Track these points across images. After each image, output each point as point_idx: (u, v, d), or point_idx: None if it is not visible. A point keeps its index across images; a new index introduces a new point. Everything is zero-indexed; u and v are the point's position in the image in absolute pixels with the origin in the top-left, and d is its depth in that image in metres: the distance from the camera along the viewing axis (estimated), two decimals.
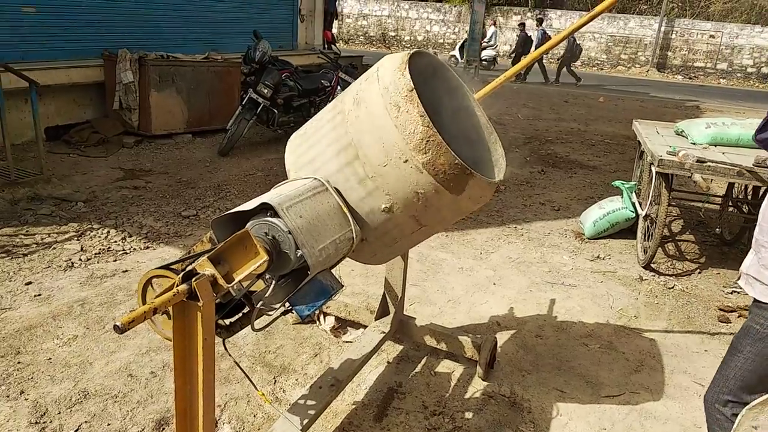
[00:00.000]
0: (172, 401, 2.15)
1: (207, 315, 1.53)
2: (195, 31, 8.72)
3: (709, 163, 3.99)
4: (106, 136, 6.86)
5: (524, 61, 2.73)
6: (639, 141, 5.21)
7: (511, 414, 2.73)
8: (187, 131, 7.40)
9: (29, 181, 5.06)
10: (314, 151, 1.98)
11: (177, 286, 1.51)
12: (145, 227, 4.53)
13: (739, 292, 4.21)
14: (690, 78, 22.69)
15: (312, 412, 2.30)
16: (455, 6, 26.04)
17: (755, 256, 1.97)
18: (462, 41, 18.43)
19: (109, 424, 2.46)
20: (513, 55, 18.52)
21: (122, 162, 6.27)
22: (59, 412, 2.50)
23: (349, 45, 26.70)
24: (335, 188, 1.89)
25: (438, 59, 2.14)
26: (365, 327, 3.10)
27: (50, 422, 2.45)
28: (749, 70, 22.39)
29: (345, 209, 1.88)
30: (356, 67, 9.08)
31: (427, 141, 1.74)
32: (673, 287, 4.22)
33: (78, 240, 4.20)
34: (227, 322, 1.93)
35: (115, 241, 4.23)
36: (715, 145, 4.58)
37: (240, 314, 1.95)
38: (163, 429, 2.46)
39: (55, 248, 4.04)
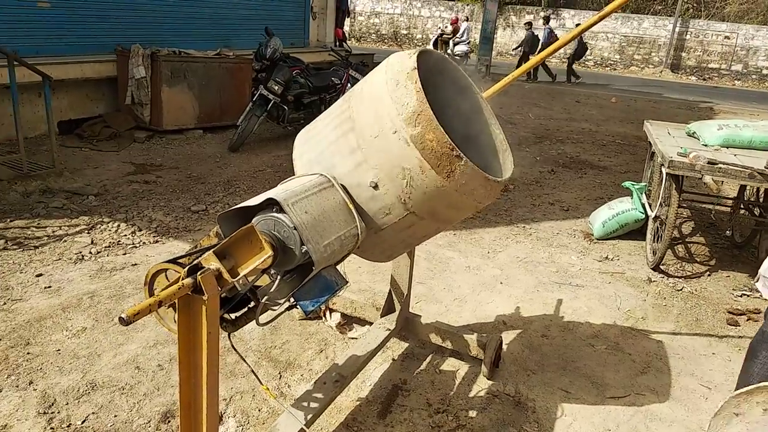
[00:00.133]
0: (178, 394, 2.17)
1: (211, 309, 1.55)
2: (207, 28, 8.77)
3: (720, 165, 3.96)
4: (118, 130, 6.91)
5: (533, 60, 2.73)
6: (650, 142, 5.18)
7: (516, 413, 2.73)
8: (198, 127, 7.45)
9: (41, 174, 5.12)
10: (321, 145, 1.99)
11: (182, 279, 1.53)
12: (154, 221, 4.57)
13: (749, 295, 4.18)
14: (704, 79, 22.49)
15: (316, 407, 2.31)
16: (468, 5, 25.96)
17: None
18: (435, 36, 18.37)
19: (116, 416, 2.49)
20: (518, 53, 18.40)
21: (133, 156, 6.32)
22: (67, 403, 2.54)
23: (361, 43, 26.73)
24: (341, 185, 1.90)
25: (445, 57, 2.14)
26: (371, 324, 3.11)
27: (58, 413, 2.48)
28: (765, 72, 22.16)
29: (351, 205, 1.89)
30: (367, 64, 9.08)
31: (419, 114, 1.74)
32: (681, 289, 4.20)
33: (88, 233, 4.24)
34: (233, 316, 1.95)
35: (125, 235, 4.27)
36: (727, 147, 4.54)
37: (245, 309, 1.96)
38: (169, 421, 2.49)
39: (65, 241, 4.08)
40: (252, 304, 1.94)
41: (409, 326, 3.11)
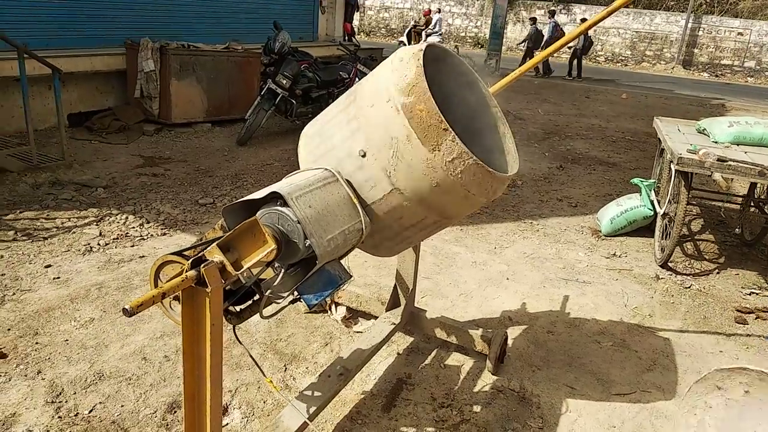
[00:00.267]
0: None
1: (215, 301, 1.56)
2: (216, 21, 8.78)
3: (730, 162, 3.93)
4: (127, 123, 6.95)
5: (541, 55, 2.71)
6: (659, 138, 5.14)
7: (520, 409, 2.72)
8: (207, 120, 7.48)
9: (51, 166, 5.16)
10: (323, 122, 2.04)
11: (186, 272, 1.54)
12: (162, 214, 4.59)
13: (758, 294, 4.15)
14: (716, 76, 22.27)
15: (320, 400, 2.32)
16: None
17: None
18: (409, 27, 18.39)
19: (122, 406, 2.51)
20: (523, 47, 18.30)
21: (142, 149, 6.35)
22: (75, 393, 2.56)
23: (370, 37, 26.69)
24: (346, 180, 1.91)
25: (451, 52, 2.14)
26: (376, 318, 3.12)
27: (66, 402, 2.50)
28: None
29: (355, 200, 1.89)
30: (375, 59, 9.08)
31: (414, 86, 1.77)
32: (690, 287, 4.17)
33: (97, 225, 4.27)
34: (238, 308, 1.96)
35: (133, 227, 4.30)
36: (738, 144, 4.50)
37: (250, 301, 1.97)
38: (175, 412, 2.51)
39: (74, 232, 4.11)
40: (257, 296, 1.95)
41: (415, 321, 3.11)
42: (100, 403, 2.52)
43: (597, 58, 23.82)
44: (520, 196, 5.85)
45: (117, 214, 4.48)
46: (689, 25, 22.53)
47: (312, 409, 2.25)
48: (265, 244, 1.61)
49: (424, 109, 1.75)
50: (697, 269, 4.51)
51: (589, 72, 17.26)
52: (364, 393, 2.74)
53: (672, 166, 4.25)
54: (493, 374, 2.93)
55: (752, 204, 5.04)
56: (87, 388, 2.59)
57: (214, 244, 1.60)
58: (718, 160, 3.92)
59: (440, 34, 17.66)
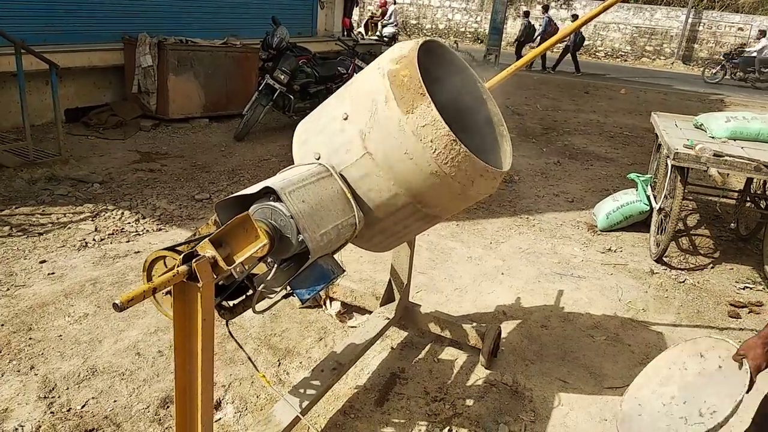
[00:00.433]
0: None
1: (206, 296, 1.56)
2: (214, 17, 8.75)
3: (726, 158, 3.93)
4: (125, 119, 6.93)
5: (538, 49, 2.70)
6: (656, 133, 5.14)
7: (512, 402, 2.74)
8: (204, 116, 7.46)
9: (47, 161, 5.15)
10: (318, 118, 2.08)
11: (177, 267, 1.54)
12: (158, 209, 4.59)
13: (751, 288, 4.16)
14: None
15: (313, 394, 2.33)
16: None
17: None
18: (366, 19, 18.45)
19: (115, 401, 2.52)
20: (515, 43, 18.22)
21: (139, 145, 6.35)
22: (67, 388, 2.57)
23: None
24: (340, 174, 1.91)
25: (448, 48, 2.14)
26: (371, 313, 3.12)
27: (58, 397, 2.51)
28: None
29: (349, 195, 1.90)
30: (374, 54, 9.04)
31: (403, 57, 1.85)
32: (684, 281, 4.18)
33: (93, 220, 4.27)
34: (231, 303, 1.96)
35: (129, 223, 4.30)
36: (735, 140, 4.50)
37: (243, 297, 1.97)
38: (168, 407, 2.52)
39: (70, 228, 4.11)
40: (250, 291, 1.96)
41: (409, 315, 3.12)
42: (93, 398, 2.53)
43: (597, 54, 23.75)
44: (516, 191, 5.86)
45: (113, 210, 4.48)
46: (689, 20, 22.46)
47: (305, 404, 2.26)
48: (257, 239, 1.62)
49: (407, 74, 1.81)
50: (692, 264, 4.52)
51: (589, 67, 17.21)
52: (358, 387, 2.75)
53: (669, 161, 4.25)
54: (486, 368, 2.94)
55: (748, 199, 5.05)
56: (80, 384, 2.60)
57: (207, 239, 1.60)
58: (715, 155, 3.93)
59: (395, 25, 17.76)
